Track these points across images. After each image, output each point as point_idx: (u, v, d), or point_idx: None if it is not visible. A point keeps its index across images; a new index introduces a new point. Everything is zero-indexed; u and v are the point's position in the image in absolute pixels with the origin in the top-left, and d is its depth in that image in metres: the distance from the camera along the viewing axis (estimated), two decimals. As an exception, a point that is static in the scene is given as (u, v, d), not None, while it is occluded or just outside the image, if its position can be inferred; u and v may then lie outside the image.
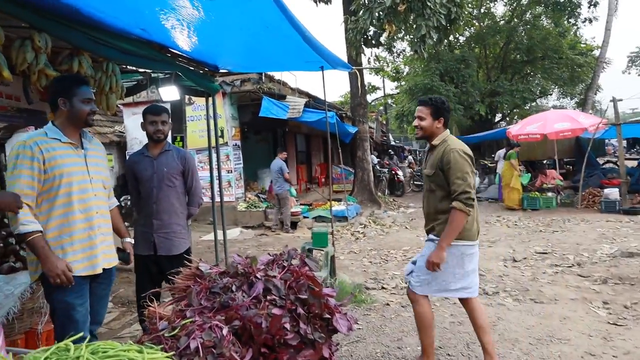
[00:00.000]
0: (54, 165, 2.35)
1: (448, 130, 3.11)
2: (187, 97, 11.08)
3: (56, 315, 2.41)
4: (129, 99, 11.82)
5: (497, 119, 27.82)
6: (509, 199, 12.20)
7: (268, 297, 2.10)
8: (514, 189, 12.06)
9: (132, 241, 3.01)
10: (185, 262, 3.25)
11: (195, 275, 2.36)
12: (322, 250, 5.01)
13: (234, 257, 2.45)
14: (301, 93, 13.62)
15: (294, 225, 10.27)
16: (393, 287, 5.55)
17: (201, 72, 5.63)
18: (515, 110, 26.14)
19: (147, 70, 6.15)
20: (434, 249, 2.88)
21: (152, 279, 3.20)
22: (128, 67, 6.12)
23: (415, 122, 3.09)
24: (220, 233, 6.29)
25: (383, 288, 5.55)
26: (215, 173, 6.41)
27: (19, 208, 2.15)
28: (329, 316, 2.15)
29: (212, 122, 6.45)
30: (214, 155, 6.33)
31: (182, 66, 5.26)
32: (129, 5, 3.36)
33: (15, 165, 2.30)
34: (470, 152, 2.95)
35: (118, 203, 3.07)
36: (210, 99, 6.28)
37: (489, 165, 18.21)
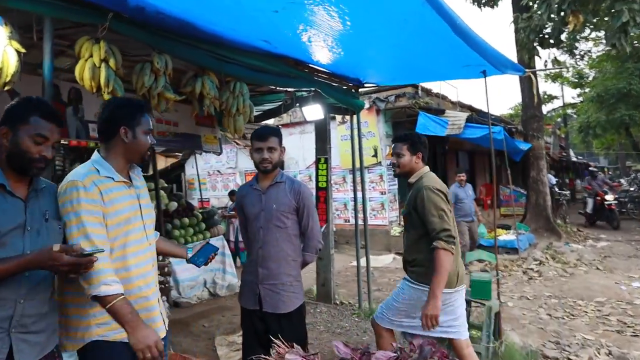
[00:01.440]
0: (110, 211, 1.82)
1: (427, 167, 3.02)
2: (341, 117, 10.83)
3: None
4: (286, 120, 12.10)
5: None
6: None
7: None
8: None
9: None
10: (296, 323, 2.64)
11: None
12: (483, 304, 3.89)
13: (337, 348, 1.65)
14: (463, 107, 12.26)
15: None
16: (586, 360, 4.08)
17: (343, 87, 5.04)
18: None
19: (289, 90, 5.87)
20: (410, 292, 2.79)
21: (259, 338, 2.61)
22: (273, 88, 5.93)
23: (393, 160, 3.00)
24: (364, 260, 5.56)
25: None
26: (359, 194, 5.74)
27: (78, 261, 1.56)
28: None
29: (357, 140, 5.80)
30: (358, 176, 5.62)
31: (322, 82, 4.74)
32: (245, 14, 2.88)
33: (77, 212, 1.74)
34: (445, 188, 2.81)
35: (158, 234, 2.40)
36: (355, 116, 5.67)
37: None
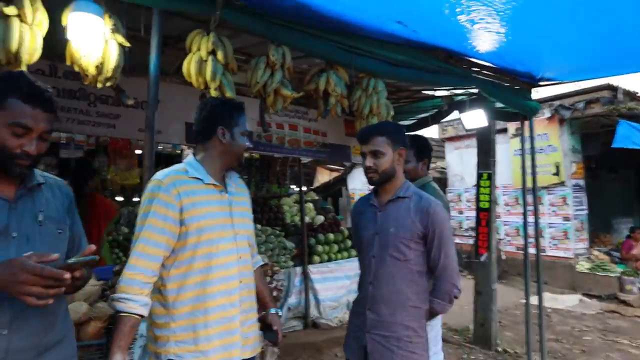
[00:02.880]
0: (193, 215, 1.67)
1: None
2: (514, 127, 9.36)
3: None
4: (451, 133, 11.05)
5: None
6: None
7: None
8: None
9: (280, 313, 2.03)
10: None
11: None
12: None
13: None
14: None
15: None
16: None
17: (508, 85, 4.03)
18: None
19: (446, 94, 5.04)
20: None
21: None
22: (427, 92, 5.18)
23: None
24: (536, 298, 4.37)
25: None
26: (530, 218, 4.56)
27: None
28: None
29: (528, 153, 4.64)
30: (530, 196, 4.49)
31: (483, 79, 3.84)
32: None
33: (147, 214, 1.64)
34: None
35: (263, 262, 2.07)
36: (527, 122, 4.55)
37: None
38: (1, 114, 1.24)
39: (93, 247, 1.23)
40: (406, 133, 2.07)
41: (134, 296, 1.56)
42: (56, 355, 1.32)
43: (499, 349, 4.85)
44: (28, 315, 1.25)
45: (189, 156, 1.85)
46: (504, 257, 9.46)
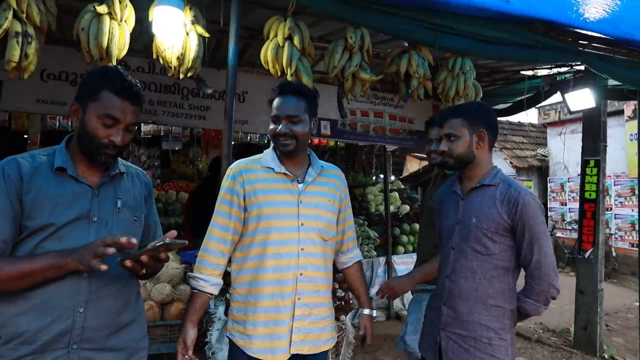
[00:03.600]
0: (254, 202, 1.69)
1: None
2: (631, 109, 8.27)
3: None
4: (553, 118, 10.10)
5: None
6: None
7: None
8: None
9: (375, 314, 1.96)
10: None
11: None
12: None
13: None
14: None
15: None
16: None
17: (625, 59, 3.50)
18: None
19: (546, 73, 4.55)
20: None
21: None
22: (525, 72, 4.72)
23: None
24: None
25: None
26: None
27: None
28: None
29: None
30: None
31: (591, 53, 3.38)
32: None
33: (219, 200, 1.73)
34: None
35: (360, 258, 1.98)
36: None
37: None
38: (95, 106, 1.31)
39: (174, 232, 1.26)
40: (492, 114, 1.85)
41: (205, 276, 1.66)
42: (127, 335, 1.38)
43: (606, 355, 4.34)
44: (103, 295, 1.31)
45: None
46: (614, 253, 8.48)
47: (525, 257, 1.67)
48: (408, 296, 5.46)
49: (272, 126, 1.70)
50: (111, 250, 1.16)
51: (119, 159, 1.45)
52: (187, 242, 1.29)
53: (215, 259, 1.67)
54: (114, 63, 2.11)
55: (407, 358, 2.57)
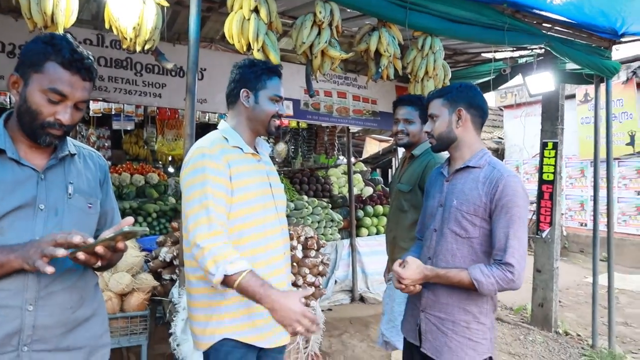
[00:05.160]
0: (240, 186, 1.61)
1: None
2: (582, 93, 8.64)
3: None
4: (510, 101, 10.41)
5: None
6: None
7: None
8: None
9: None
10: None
11: None
12: None
13: None
14: None
15: None
16: None
17: (585, 43, 3.61)
18: None
19: (507, 56, 4.64)
20: None
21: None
22: (487, 55, 4.79)
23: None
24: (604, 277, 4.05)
25: None
26: (603, 192, 4.19)
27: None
28: None
29: (604, 120, 4.21)
30: (602, 168, 4.12)
31: (554, 36, 3.45)
32: None
33: (204, 183, 1.53)
34: None
35: None
36: (603, 85, 4.10)
37: None
38: (39, 78, 1.16)
39: (130, 219, 1.15)
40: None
41: (235, 258, 1.45)
42: (86, 332, 1.26)
43: (560, 330, 4.56)
44: (55, 290, 1.19)
45: (221, 123, 1.76)
46: (565, 233, 8.93)
47: (497, 238, 1.62)
48: (372, 278, 5.54)
49: (271, 108, 1.70)
50: (61, 252, 1.03)
51: (68, 138, 1.31)
52: (147, 229, 1.18)
53: (228, 242, 1.52)
54: (60, 32, 1.92)
55: (385, 347, 2.58)
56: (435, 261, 1.76)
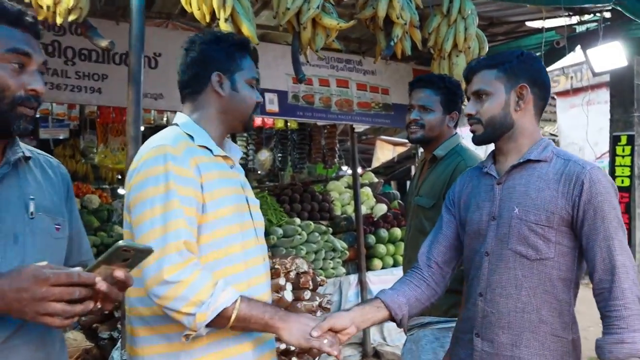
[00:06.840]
0: (214, 199, 1.60)
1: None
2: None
3: None
4: (564, 85, 10.44)
5: None
6: None
7: None
8: None
9: None
10: None
11: None
12: None
13: None
14: None
15: None
16: None
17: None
18: None
19: (564, 23, 4.61)
20: None
21: None
22: (532, 25, 4.77)
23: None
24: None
25: None
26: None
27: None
28: None
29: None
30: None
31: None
32: None
33: (167, 195, 1.49)
34: None
35: None
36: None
37: None
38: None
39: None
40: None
41: (223, 284, 1.49)
42: None
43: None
44: (16, 345, 1.19)
45: (178, 116, 1.74)
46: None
47: (593, 257, 1.57)
48: (389, 326, 5.46)
49: (252, 95, 1.73)
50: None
51: (17, 139, 1.31)
52: (152, 248, 1.23)
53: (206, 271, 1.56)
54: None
55: None
56: (491, 297, 1.70)
